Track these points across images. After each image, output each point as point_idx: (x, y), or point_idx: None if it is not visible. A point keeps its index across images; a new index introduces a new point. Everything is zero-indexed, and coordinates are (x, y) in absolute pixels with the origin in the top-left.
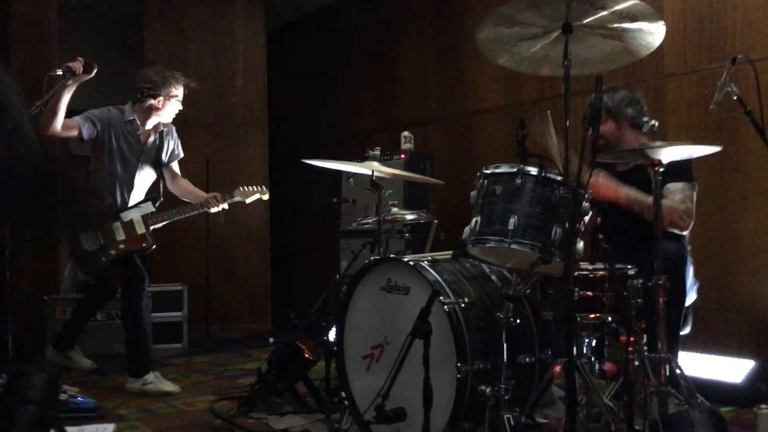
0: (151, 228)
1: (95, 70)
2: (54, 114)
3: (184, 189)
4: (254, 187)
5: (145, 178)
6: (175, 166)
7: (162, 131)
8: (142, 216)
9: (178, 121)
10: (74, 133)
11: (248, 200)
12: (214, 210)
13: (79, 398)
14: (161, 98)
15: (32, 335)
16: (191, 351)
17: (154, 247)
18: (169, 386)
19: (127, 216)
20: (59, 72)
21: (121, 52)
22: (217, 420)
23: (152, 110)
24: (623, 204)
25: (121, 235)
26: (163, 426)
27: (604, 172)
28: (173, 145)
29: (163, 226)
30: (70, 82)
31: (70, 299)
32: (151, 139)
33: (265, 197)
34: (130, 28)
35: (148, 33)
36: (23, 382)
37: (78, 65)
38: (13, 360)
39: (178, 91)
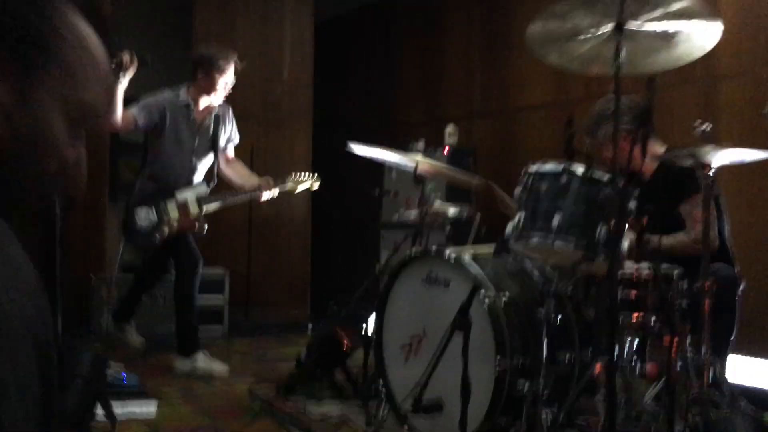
0: (204, 210)
1: (150, 62)
2: (111, 112)
3: (238, 172)
4: (305, 175)
5: (201, 160)
6: (230, 149)
7: (218, 115)
8: (196, 197)
9: None
10: (133, 125)
11: (299, 188)
12: (265, 196)
13: (123, 374)
14: (207, 73)
15: (79, 313)
16: (231, 335)
17: (205, 228)
18: (219, 366)
19: (181, 196)
20: (112, 65)
21: (173, 41)
22: (256, 403)
23: (202, 88)
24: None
25: (174, 214)
26: (203, 406)
27: None
28: (230, 129)
29: (215, 210)
30: (121, 78)
31: (116, 279)
32: (207, 121)
33: (316, 186)
34: (182, 17)
35: (198, 21)
36: (71, 358)
37: (127, 58)
38: (63, 335)
39: (224, 66)
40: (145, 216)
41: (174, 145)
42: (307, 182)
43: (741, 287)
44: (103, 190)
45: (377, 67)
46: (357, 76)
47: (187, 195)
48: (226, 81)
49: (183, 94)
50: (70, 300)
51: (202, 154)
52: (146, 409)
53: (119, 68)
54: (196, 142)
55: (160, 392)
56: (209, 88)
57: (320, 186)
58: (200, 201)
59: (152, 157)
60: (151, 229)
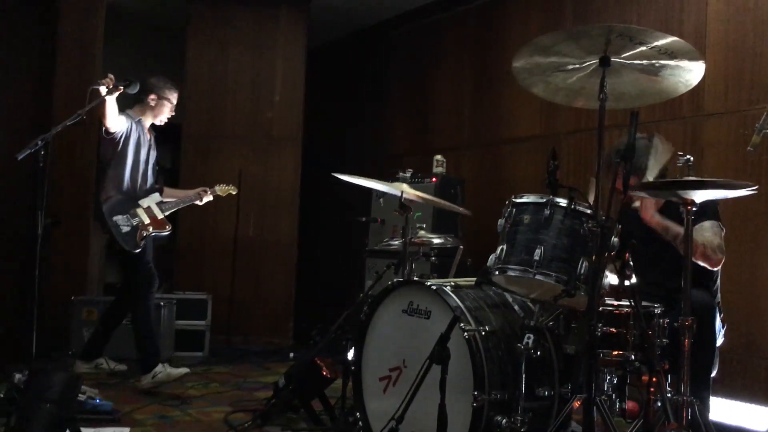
0: (165, 213)
1: (134, 85)
2: (104, 115)
3: (171, 194)
4: (229, 185)
5: (152, 172)
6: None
7: (155, 135)
8: (156, 203)
9: (215, 131)
10: (125, 126)
11: (224, 195)
12: (205, 200)
13: (97, 400)
14: (159, 99)
15: (56, 335)
16: (212, 360)
17: (170, 229)
18: (178, 370)
19: (144, 203)
20: (101, 87)
21: (164, 66)
22: (231, 431)
23: (147, 109)
24: (657, 228)
25: (146, 219)
26: None
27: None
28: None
29: (171, 213)
30: (107, 97)
31: (97, 301)
32: (151, 139)
33: (234, 192)
34: (174, 42)
35: (190, 46)
36: (43, 381)
37: (109, 81)
38: (35, 358)
39: (170, 95)
40: (124, 222)
41: (135, 156)
42: (229, 190)
43: (722, 329)
44: (88, 210)
45: (368, 96)
46: (348, 103)
47: (149, 202)
48: (168, 108)
49: (132, 113)
50: (50, 320)
51: (152, 167)
52: None
53: (105, 88)
54: (149, 155)
55: (133, 419)
56: (152, 110)
57: (307, 211)
58: (159, 206)
59: (115, 168)
60: (133, 233)
